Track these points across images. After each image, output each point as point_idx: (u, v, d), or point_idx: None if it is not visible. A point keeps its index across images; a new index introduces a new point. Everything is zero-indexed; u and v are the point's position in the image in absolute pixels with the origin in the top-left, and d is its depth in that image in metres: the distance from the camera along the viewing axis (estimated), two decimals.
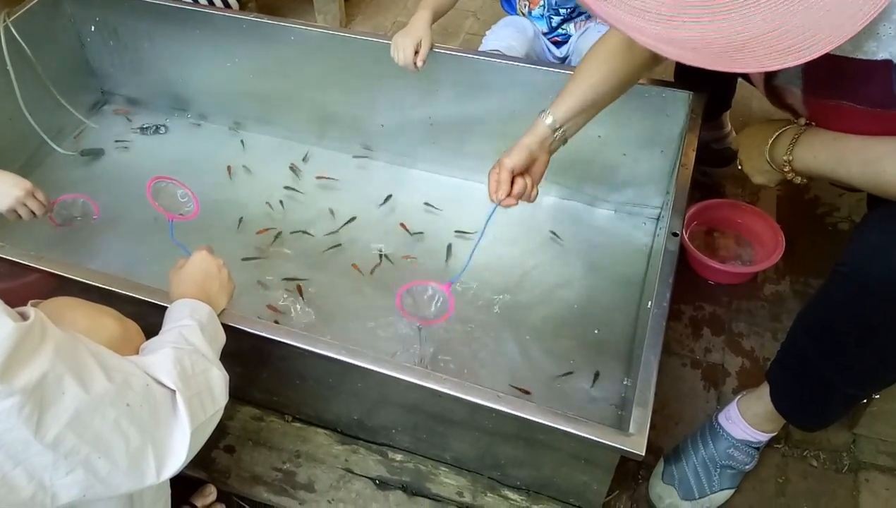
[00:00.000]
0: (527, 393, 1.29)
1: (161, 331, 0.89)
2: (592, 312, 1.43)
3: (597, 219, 1.60)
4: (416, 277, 1.36)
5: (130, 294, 1.06)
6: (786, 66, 0.71)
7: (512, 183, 1.12)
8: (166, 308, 0.95)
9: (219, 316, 0.98)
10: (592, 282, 1.48)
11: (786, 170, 1.04)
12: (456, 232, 1.57)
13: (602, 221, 1.60)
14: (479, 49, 1.61)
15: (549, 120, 1.14)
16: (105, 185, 1.71)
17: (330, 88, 1.67)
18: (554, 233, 1.57)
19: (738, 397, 1.22)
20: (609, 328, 1.39)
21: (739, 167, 1.18)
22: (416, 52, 1.47)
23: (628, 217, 1.60)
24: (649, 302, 1.11)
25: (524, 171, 1.14)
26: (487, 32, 1.68)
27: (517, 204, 1.14)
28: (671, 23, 0.72)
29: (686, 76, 1.43)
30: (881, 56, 0.83)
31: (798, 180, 1.06)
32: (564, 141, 1.18)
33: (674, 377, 1.38)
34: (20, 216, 1.40)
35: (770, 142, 1.06)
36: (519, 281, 1.48)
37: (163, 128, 1.86)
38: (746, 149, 1.14)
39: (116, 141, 1.83)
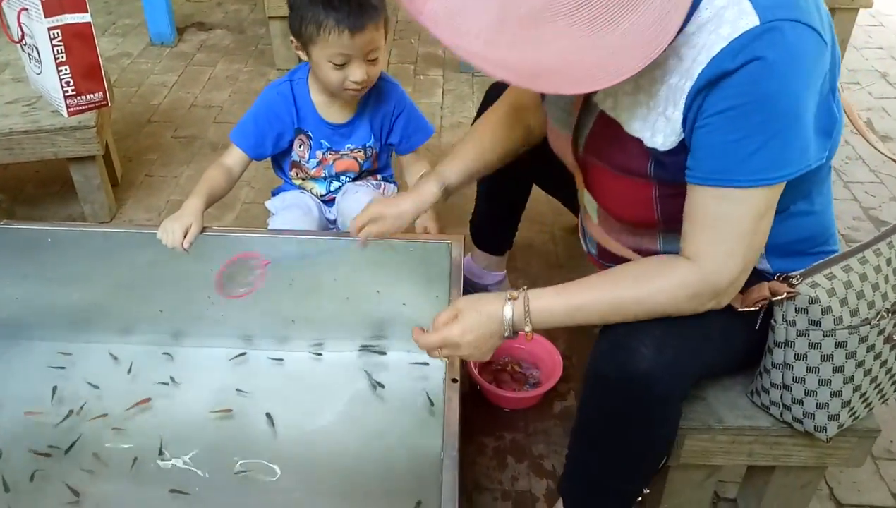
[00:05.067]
0: None
1: None
2: (397, 464, 1.43)
3: (390, 369, 1.63)
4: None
5: None
6: (578, 92, 0.87)
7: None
8: None
9: None
10: (393, 433, 1.49)
11: (527, 333, 1.08)
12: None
13: (395, 370, 1.63)
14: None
15: (439, 186, 1.35)
16: None
17: (97, 284, 1.60)
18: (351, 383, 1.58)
19: None
20: (417, 478, 1.39)
21: (444, 360, 1.22)
22: (185, 235, 1.47)
23: (419, 364, 1.63)
24: (441, 453, 1.14)
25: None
26: (272, 211, 1.73)
27: (364, 243, 1.43)
28: (488, 46, 0.84)
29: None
30: (639, 135, 1.02)
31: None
32: (447, 197, 1.38)
33: None
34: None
35: (507, 322, 1.08)
36: (318, 437, 1.47)
37: None
38: (478, 344, 1.10)
39: None
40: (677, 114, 0.96)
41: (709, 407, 1.19)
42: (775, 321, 1.09)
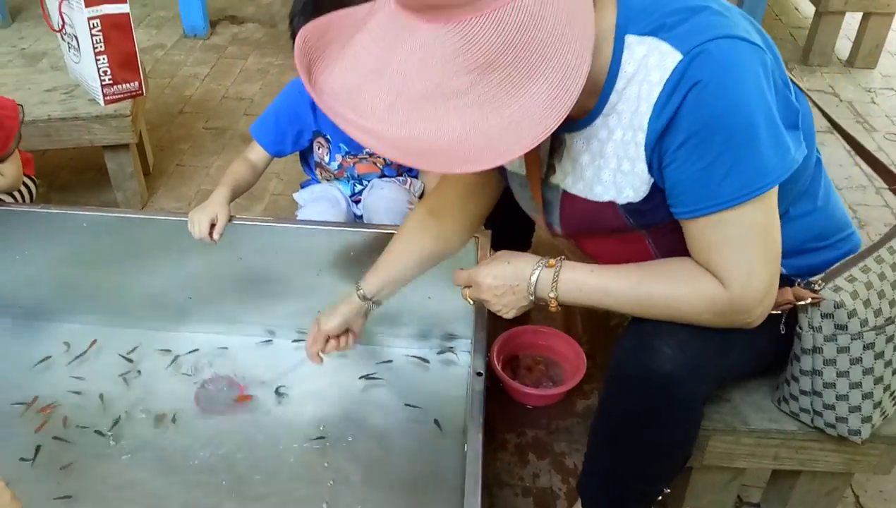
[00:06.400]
0: None
1: None
2: (419, 458, 1.44)
3: (414, 363, 1.64)
4: None
5: None
6: (464, 171, 0.87)
7: (327, 341, 1.40)
8: None
9: None
10: (416, 428, 1.50)
11: (550, 299, 1.09)
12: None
13: (419, 364, 1.64)
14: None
15: (360, 292, 1.36)
16: None
17: (131, 269, 1.63)
18: (368, 377, 1.60)
19: None
20: (438, 473, 1.41)
21: (470, 302, 1.20)
22: (213, 226, 1.49)
23: (445, 357, 1.65)
24: (465, 446, 1.15)
25: (341, 333, 1.41)
26: (300, 203, 1.74)
27: (321, 362, 1.43)
28: (382, 123, 0.85)
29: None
30: (606, 198, 1.02)
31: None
32: (379, 304, 1.40)
33: None
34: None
35: (532, 282, 1.10)
36: (339, 430, 1.49)
37: None
38: (498, 292, 1.13)
39: None
40: (641, 165, 0.97)
41: (734, 408, 1.19)
42: (801, 328, 1.08)
